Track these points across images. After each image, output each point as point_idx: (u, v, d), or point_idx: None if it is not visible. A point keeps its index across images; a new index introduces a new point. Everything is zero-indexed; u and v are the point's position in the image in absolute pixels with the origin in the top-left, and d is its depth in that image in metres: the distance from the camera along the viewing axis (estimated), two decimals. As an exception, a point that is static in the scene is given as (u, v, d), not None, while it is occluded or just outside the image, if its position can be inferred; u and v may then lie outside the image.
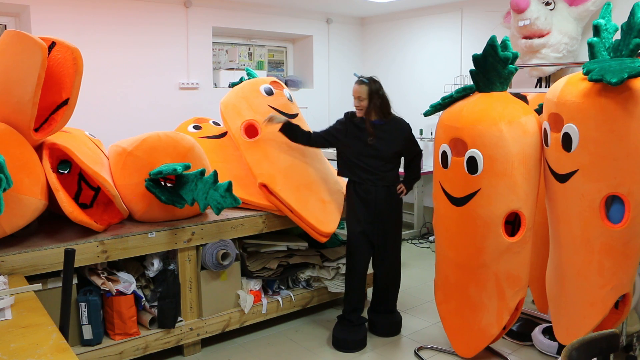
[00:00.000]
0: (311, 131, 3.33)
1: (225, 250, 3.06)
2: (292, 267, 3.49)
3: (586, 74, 2.28)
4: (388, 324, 3.33)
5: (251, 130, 3.45)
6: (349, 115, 3.23)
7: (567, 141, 2.37)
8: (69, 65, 2.54)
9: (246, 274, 3.30)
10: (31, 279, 2.42)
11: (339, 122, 3.27)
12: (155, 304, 2.94)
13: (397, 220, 3.29)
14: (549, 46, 4.00)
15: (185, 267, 3.00)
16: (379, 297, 3.36)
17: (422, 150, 3.35)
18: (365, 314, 3.39)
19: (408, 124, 3.26)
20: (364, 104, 3.12)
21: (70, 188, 2.94)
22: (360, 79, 3.18)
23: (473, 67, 2.68)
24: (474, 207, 2.66)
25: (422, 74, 5.67)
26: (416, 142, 3.29)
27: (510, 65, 2.63)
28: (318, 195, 3.35)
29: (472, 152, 2.59)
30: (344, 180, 3.61)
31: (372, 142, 3.12)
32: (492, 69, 2.63)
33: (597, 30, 2.41)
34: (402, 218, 3.35)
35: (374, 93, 3.12)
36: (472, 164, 2.61)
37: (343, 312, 3.26)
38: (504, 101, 2.64)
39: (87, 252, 2.64)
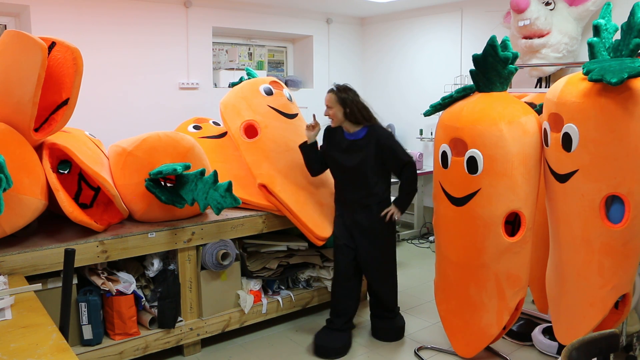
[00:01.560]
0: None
1: (225, 250, 3.06)
2: (292, 267, 3.48)
3: (586, 74, 2.28)
4: (388, 328, 3.28)
5: (251, 131, 3.45)
6: (328, 128, 3.19)
7: (567, 141, 2.37)
8: (69, 65, 2.54)
9: (246, 274, 3.30)
10: (31, 279, 2.42)
11: (323, 138, 3.22)
12: (155, 304, 2.94)
13: (380, 241, 3.15)
14: (549, 46, 4.00)
15: (185, 267, 3.00)
16: (373, 301, 3.33)
17: (411, 160, 3.06)
18: (367, 319, 3.38)
19: (388, 132, 3.10)
20: (332, 113, 3.06)
21: (70, 188, 2.94)
22: (331, 87, 3.11)
23: (473, 67, 2.68)
24: (474, 207, 2.66)
25: (422, 74, 5.67)
26: (401, 151, 3.07)
27: (510, 65, 2.63)
28: (316, 197, 3.35)
29: (472, 152, 2.59)
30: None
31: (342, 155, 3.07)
32: (492, 69, 2.63)
33: (597, 30, 2.41)
34: (389, 237, 3.19)
35: (346, 100, 3.04)
36: (472, 164, 2.61)
37: (329, 314, 3.23)
38: (504, 101, 2.64)
39: (87, 252, 2.64)
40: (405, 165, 3.05)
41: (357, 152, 3.05)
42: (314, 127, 3.17)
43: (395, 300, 3.33)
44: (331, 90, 3.08)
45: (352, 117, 3.04)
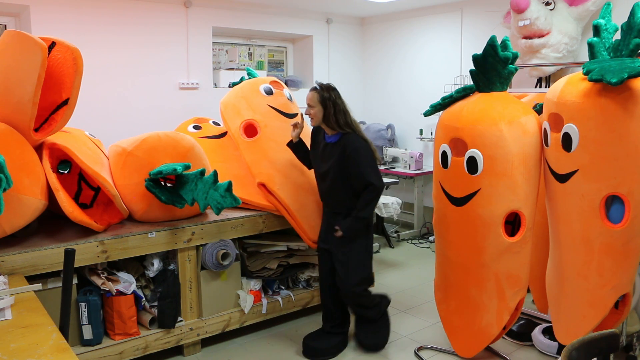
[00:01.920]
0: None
1: (225, 250, 3.06)
2: (292, 267, 3.48)
3: (586, 74, 2.28)
4: (364, 339, 3.14)
5: (250, 130, 3.45)
6: (316, 126, 3.08)
7: (567, 141, 2.37)
8: (69, 65, 2.55)
9: (246, 274, 3.30)
10: (31, 279, 2.42)
11: (310, 136, 3.16)
12: (155, 304, 2.94)
13: (348, 250, 2.97)
14: (549, 46, 4.00)
15: (185, 267, 3.00)
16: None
17: (375, 183, 2.84)
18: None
19: (360, 143, 2.87)
20: (313, 112, 2.94)
21: (70, 188, 2.94)
22: (315, 85, 3.00)
23: (473, 67, 2.68)
24: (474, 207, 2.66)
25: (422, 74, 5.67)
26: (367, 170, 2.84)
27: (510, 65, 2.63)
28: (315, 197, 3.35)
29: (472, 152, 2.59)
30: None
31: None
32: (492, 69, 2.63)
33: (597, 30, 2.41)
34: (361, 246, 2.99)
35: (326, 101, 2.91)
36: (472, 164, 2.61)
37: None
38: (504, 101, 2.64)
39: (87, 252, 2.64)
40: (367, 186, 2.85)
41: (329, 156, 2.95)
42: (296, 126, 3.09)
43: (361, 310, 3.09)
44: (314, 89, 2.95)
45: (326, 120, 2.93)
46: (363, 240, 3.02)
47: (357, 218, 2.90)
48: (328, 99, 2.92)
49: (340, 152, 2.90)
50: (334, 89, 2.98)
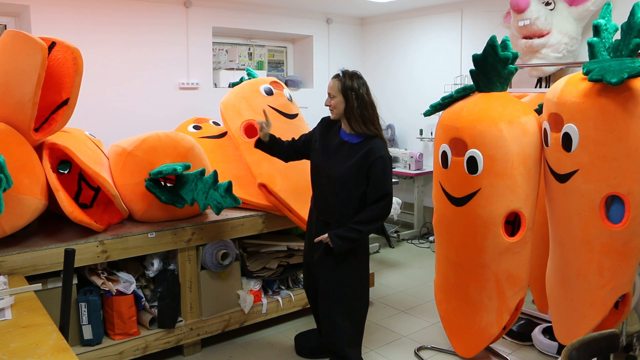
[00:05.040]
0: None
1: (225, 250, 3.06)
2: (292, 267, 3.48)
3: (586, 74, 2.28)
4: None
5: (251, 130, 3.45)
6: (326, 118, 2.78)
7: (567, 141, 2.37)
8: (69, 65, 2.55)
9: (246, 274, 3.31)
10: (31, 279, 2.42)
11: (317, 127, 2.82)
12: (155, 304, 2.94)
13: (334, 276, 2.67)
14: (549, 46, 4.00)
15: (185, 267, 3.00)
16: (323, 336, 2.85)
17: (387, 196, 2.52)
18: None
19: (382, 154, 2.51)
20: (333, 103, 2.57)
21: (70, 188, 2.94)
22: (338, 71, 2.63)
23: (473, 67, 2.68)
24: (474, 207, 2.66)
25: (422, 74, 5.67)
26: (382, 182, 2.51)
27: (510, 65, 2.63)
28: (316, 196, 3.35)
29: (472, 152, 2.59)
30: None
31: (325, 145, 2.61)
32: (492, 69, 2.63)
33: (597, 30, 2.41)
34: (352, 277, 2.68)
35: (348, 91, 2.53)
36: (472, 164, 2.61)
37: None
38: (504, 101, 2.64)
39: (87, 252, 2.64)
40: (378, 199, 2.53)
41: (346, 158, 2.57)
42: (262, 128, 2.74)
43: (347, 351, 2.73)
44: (336, 76, 2.58)
45: (348, 115, 2.56)
46: (354, 265, 2.66)
47: (354, 230, 2.51)
48: (350, 89, 2.53)
49: (362, 157, 2.51)
50: (360, 78, 2.59)
